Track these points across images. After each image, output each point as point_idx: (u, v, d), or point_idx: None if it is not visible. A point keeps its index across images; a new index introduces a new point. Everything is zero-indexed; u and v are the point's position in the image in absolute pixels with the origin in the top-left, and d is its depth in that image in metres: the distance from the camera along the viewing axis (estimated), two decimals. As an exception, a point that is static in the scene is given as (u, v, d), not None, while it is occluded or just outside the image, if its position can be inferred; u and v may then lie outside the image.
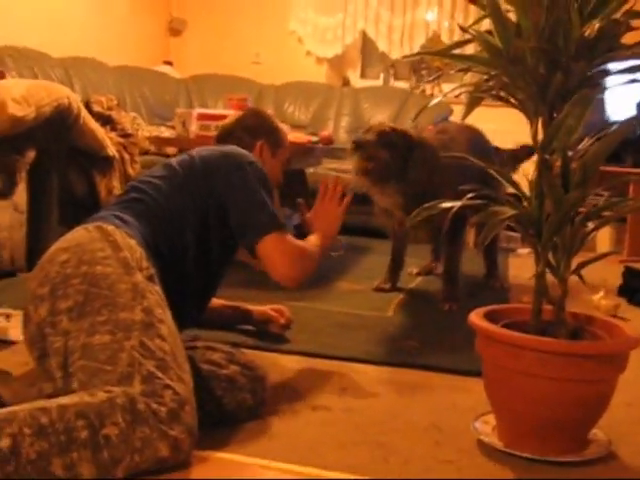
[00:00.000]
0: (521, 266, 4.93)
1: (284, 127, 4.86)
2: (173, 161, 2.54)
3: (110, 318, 1.95)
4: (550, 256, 2.08)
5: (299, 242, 2.53)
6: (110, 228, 2.19)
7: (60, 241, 2.20)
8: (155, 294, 2.08)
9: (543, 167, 1.99)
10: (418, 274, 4.56)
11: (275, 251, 2.43)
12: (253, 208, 2.43)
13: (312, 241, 2.65)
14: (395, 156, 3.61)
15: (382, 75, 7.81)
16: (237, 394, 2.18)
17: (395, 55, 7.45)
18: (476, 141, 4.12)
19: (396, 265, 4.18)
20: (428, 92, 7.38)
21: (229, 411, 2.16)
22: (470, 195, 2.13)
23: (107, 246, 2.11)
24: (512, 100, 2.17)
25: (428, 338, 3.20)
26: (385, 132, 3.66)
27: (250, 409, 2.21)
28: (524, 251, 5.58)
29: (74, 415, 1.70)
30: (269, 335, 3.04)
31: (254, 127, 2.83)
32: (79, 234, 2.19)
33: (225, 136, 2.83)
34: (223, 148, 2.59)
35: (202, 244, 2.42)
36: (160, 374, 1.85)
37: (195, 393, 1.93)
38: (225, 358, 2.26)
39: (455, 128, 4.22)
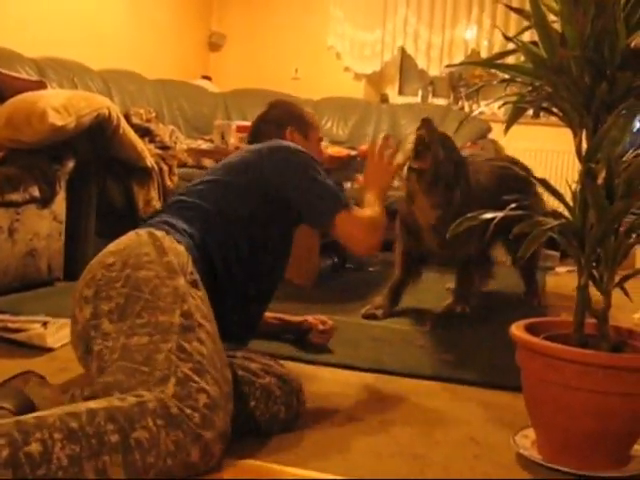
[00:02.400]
0: (559, 285, 4.88)
1: (323, 140, 4.86)
2: (216, 167, 2.60)
3: (149, 321, 1.96)
4: (593, 268, 2.05)
5: (364, 211, 2.60)
6: (160, 234, 2.23)
7: (112, 244, 2.24)
8: (197, 299, 2.08)
9: (587, 177, 1.96)
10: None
11: (351, 228, 2.52)
12: (316, 193, 2.50)
13: (371, 202, 2.68)
14: (449, 161, 3.50)
15: (420, 92, 7.79)
16: (271, 406, 2.15)
17: (434, 72, 7.45)
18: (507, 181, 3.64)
19: (396, 293, 3.89)
20: (467, 109, 7.36)
21: (262, 423, 2.13)
22: (512, 206, 2.12)
23: (153, 250, 2.14)
24: (556, 111, 2.15)
25: (466, 352, 3.18)
26: (444, 135, 3.61)
27: (283, 422, 2.18)
28: (562, 269, 5.53)
29: (104, 419, 1.68)
30: (310, 345, 3.03)
31: (278, 118, 2.85)
32: (129, 238, 2.24)
33: (254, 136, 2.85)
34: (264, 144, 2.60)
35: (254, 246, 2.43)
36: (196, 377, 1.84)
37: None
38: (262, 369, 2.24)
39: (486, 164, 4.01)
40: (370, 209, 2.63)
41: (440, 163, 3.46)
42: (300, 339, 3.06)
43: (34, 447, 1.60)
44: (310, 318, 3.08)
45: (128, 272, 2.08)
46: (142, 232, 2.25)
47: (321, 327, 3.03)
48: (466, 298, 3.82)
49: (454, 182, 3.50)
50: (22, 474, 1.57)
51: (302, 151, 2.56)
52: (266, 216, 2.46)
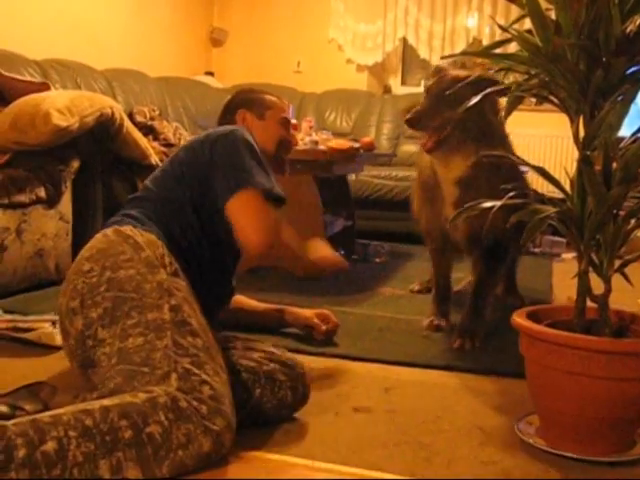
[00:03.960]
0: (565, 271, 4.89)
1: (325, 133, 4.86)
2: (164, 162, 2.61)
3: (140, 320, 1.98)
4: (593, 254, 2.06)
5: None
6: (127, 229, 2.24)
7: (83, 250, 2.25)
8: (182, 290, 2.11)
9: (585, 164, 1.97)
10: (419, 292, 4.21)
11: (242, 209, 2.33)
12: (227, 171, 2.37)
13: None
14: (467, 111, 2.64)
15: (423, 82, 7.79)
16: (277, 391, 2.17)
17: (436, 61, 7.44)
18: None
19: (443, 293, 3.53)
20: (470, 98, 7.35)
21: (270, 409, 2.16)
22: (511, 194, 2.12)
23: (127, 248, 2.16)
24: (553, 98, 2.16)
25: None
26: (445, 88, 2.98)
27: (291, 406, 2.21)
28: (568, 256, 5.53)
29: (117, 416, 1.71)
30: (315, 339, 3.04)
31: (229, 106, 2.84)
32: (98, 241, 2.24)
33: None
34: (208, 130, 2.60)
35: (206, 225, 2.42)
36: (196, 370, 1.87)
37: (235, 393, 1.95)
38: (265, 357, 2.26)
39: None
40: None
41: (455, 125, 3.00)
42: (305, 332, 3.09)
43: (50, 446, 1.62)
44: (314, 317, 3.06)
45: (108, 275, 2.10)
46: (108, 232, 2.25)
47: (324, 328, 3.03)
48: (473, 329, 3.12)
49: (481, 134, 3.01)
50: (39, 473, 1.59)
51: (237, 131, 2.47)
52: (202, 194, 2.41)
